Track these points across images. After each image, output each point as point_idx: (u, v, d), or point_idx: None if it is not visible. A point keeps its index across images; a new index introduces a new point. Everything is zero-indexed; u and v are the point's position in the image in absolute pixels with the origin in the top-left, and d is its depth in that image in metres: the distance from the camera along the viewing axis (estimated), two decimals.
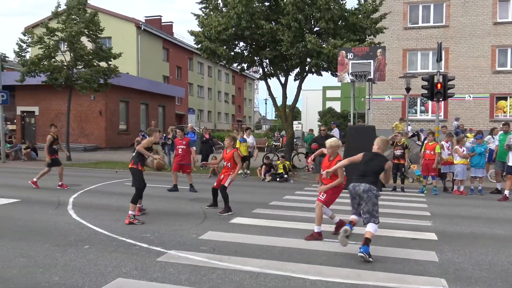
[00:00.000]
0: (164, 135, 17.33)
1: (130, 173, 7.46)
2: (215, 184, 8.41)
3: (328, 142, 6.45)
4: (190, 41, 39.48)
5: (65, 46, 19.37)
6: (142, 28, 37.06)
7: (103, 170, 16.04)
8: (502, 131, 11.48)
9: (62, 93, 22.39)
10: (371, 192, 5.33)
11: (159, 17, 45.44)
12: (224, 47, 15.45)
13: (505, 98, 24.06)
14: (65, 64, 19.23)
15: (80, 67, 19.76)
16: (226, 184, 8.08)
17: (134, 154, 7.47)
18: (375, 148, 5.81)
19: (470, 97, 24.14)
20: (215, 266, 4.91)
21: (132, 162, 7.35)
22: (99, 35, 20.00)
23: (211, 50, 15.38)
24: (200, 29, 15.75)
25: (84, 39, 19.61)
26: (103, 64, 20.17)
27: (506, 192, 10.47)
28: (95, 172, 15.03)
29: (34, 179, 11.02)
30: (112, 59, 20.12)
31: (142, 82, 31.20)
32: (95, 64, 19.80)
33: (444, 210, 8.95)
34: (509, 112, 23.97)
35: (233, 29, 14.66)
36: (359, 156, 5.79)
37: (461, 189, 11.46)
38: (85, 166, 17.26)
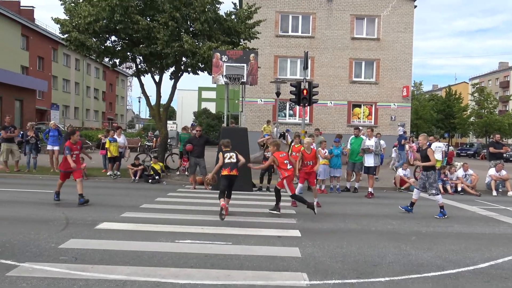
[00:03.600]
0: (22, 132, 15.51)
1: None
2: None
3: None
4: (54, 29, 36.19)
5: None
6: None
7: None
8: (354, 135, 12.76)
9: None
10: None
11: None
12: (95, 39, 14.43)
13: (359, 106, 27.07)
14: None
15: None
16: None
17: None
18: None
19: (331, 103, 26.58)
20: (76, 277, 4.54)
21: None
22: None
23: (79, 42, 14.20)
24: (67, 18, 14.47)
25: None
26: None
27: (370, 189, 11.77)
28: None
29: None
30: None
31: None
32: None
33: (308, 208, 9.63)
34: (363, 118, 27.05)
35: (105, 21, 13.78)
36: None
37: (323, 188, 12.51)
38: None
